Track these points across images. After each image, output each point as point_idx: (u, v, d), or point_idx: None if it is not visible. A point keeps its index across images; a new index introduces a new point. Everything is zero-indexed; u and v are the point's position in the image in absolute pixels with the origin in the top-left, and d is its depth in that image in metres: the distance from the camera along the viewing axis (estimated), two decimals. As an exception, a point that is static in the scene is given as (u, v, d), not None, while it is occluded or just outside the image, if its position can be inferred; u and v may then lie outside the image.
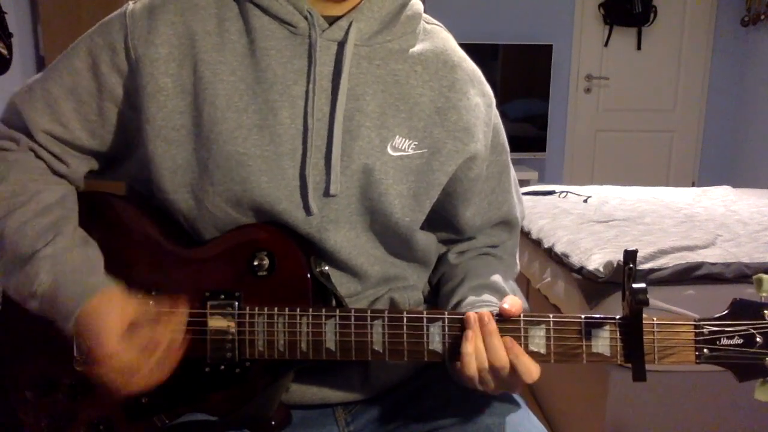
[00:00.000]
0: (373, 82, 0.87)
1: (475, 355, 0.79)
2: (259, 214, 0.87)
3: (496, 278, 0.97)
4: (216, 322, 0.84)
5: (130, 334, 0.80)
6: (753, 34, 4.54)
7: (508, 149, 1.01)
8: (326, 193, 0.86)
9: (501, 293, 0.94)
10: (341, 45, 0.86)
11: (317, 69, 0.85)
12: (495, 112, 0.98)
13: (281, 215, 0.86)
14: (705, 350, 0.78)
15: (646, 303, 0.76)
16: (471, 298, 0.93)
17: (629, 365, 0.79)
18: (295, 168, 0.86)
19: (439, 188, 0.91)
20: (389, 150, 0.87)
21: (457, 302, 0.94)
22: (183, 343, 0.83)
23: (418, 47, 0.91)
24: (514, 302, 0.80)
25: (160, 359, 0.81)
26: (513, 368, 0.78)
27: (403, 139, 0.88)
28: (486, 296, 0.93)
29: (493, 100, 0.98)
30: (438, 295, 1.03)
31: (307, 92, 0.85)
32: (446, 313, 0.82)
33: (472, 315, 0.80)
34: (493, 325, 0.79)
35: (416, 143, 0.89)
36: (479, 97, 0.94)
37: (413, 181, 0.89)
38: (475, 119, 0.92)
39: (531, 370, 0.78)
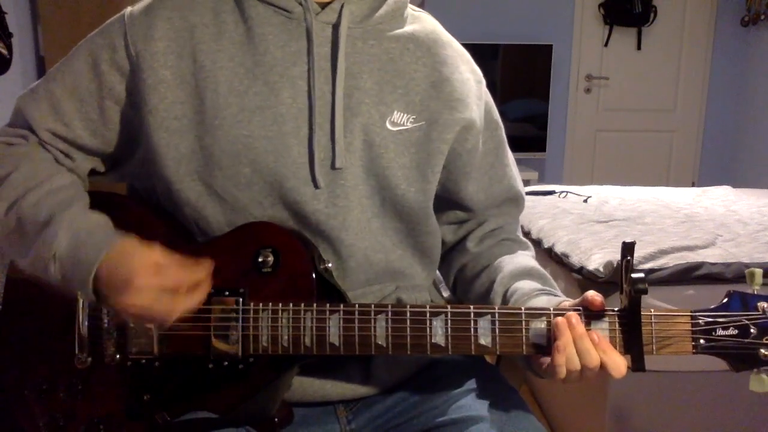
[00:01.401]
0: (369, 61, 0.90)
1: (566, 364, 0.78)
2: (269, 194, 0.88)
3: (531, 262, 0.99)
4: (220, 334, 0.84)
5: (158, 272, 0.79)
6: (753, 34, 4.54)
7: (503, 127, 1.04)
8: (333, 167, 0.88)
9: (543, 278, 0.95)
10: (335, 27, 0.89)
11: (315, 49, 0.88)
12: (485, 90, 1.01)
13: (290, 192, 0.88)
14: (701, 341, 0.80)
15: (645, 291, 0.77)
16: (519, 285, 0.93)
17: (629, 356, 0.80)
18: (300, 145, 0.88)
19: (441, 158, 0.93)
20: (388, 125, 0.90)
21: (503, 290, 0.94)
22: (207, 288, 0.82)
23: (408, 28, 0.94)
24: (597, 293, 0.81)
25: (187, 298, 0.80)
26: (601, 365, 0.79)
27: (401, 114, 0.91)
28: (533, 283, 0.93)
29: (482, 79, 1.01)
30: (459, 288, 1.04)
31: (308, 72, 0.88)
32: (449, 306, 0.83)
33: (561, 321, 0.79)
34: (582, 327, 0.79)
35: (414, 117, 0.91)
36: (469, 73, 0.98)
37: (414, 153, 0.92)
38: (468, 91, 0.96)
39: (619, 365, 0.78)
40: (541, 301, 0.88)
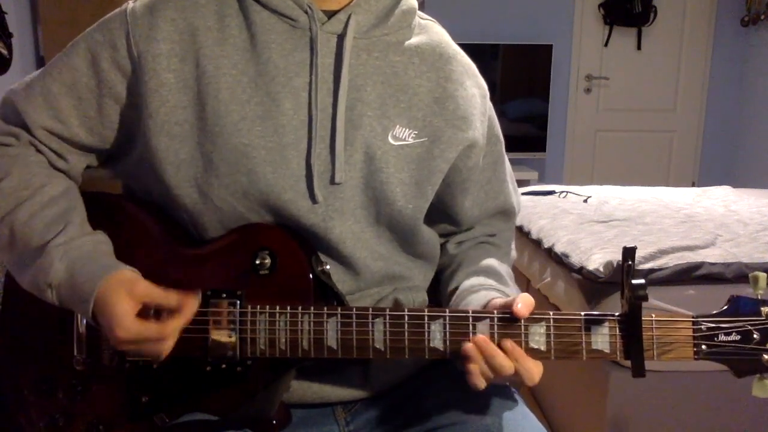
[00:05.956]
0: (373, 73, 0.89)
1: (479, 381, 0.80)
2: (265, 206, 0.88)
3: (491, 262, 0.99)
4: (218, 336, 0.84)
5: (142, 316, 0.80)
6: (753, 34, 4.54)
7: (503, 140, 1.03)
8: (332, 181, 0.87)
9: (496, 275, 0.96)
10: (341, 38, 0.88)
11: (319, 60, 0.87)
12: (489, 104, 1.00)
13: (287, 205, 0.87)
14: (703, 346, 0.79)
15: (645, 298, 0.77)
16: (466, 283, 0.94)
17: (629, 362, 0.79)
18: (300, 158, 0.87)
19: (441, 175, 0.93)
20: (390, 139, 0.89)
21: (454, 288, 0.96)
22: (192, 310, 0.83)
23: (414, 40, 0.93)
24: (526, 302, 0.80)
25: (171, 337, 0.81)
26: (516, 372, 0.80)
27: (403, 129, 0.90)
28: (481, 279, 0.94)
29: (487, 93, 1.00)
30: (437, 289, 1.03)
31: (310, 83, 0.87)
32: (447, 310, 0.82)
33: (470, 348, 0.80)
34: (491, 348, 0.79)
35: (416, 132, 0.90)
36: (475, 88, 0.97)
37: (414, 170, 0.91)
38: (472, 108, 0.94)
39: (533, 373, 0.80)
40: (479, 297, 0.90)
